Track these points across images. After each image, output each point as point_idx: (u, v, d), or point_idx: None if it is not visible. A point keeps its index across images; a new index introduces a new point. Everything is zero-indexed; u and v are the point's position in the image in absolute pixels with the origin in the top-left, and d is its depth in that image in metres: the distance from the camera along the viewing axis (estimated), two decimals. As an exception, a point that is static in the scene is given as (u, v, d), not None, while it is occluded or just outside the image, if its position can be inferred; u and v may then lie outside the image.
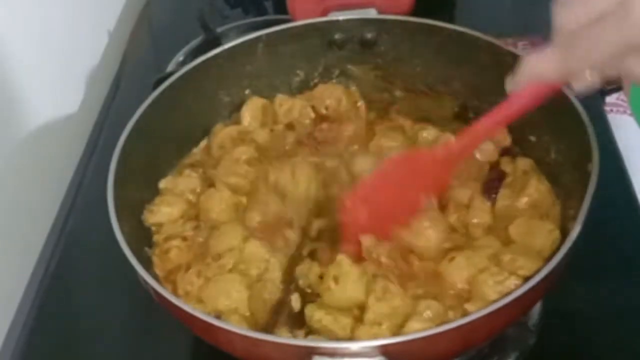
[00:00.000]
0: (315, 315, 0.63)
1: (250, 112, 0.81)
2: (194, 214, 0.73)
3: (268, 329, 0.64)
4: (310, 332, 0.64)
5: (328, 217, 0.71)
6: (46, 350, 0.75)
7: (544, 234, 0.66)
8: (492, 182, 0.73)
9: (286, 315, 0.65)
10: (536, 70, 0.54)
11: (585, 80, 0.51)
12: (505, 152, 0.76)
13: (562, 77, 0.53)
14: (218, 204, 0.72)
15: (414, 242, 0.67)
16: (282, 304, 0.65)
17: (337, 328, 0.62)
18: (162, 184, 0.75)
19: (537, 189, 0.70)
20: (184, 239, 0.71)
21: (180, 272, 0.68)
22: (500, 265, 0.65)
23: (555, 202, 0.70)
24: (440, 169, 0.68)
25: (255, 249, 0.68)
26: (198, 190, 0.75)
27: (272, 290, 0.65)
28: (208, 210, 0.72)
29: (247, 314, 0.65)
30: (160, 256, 0.70)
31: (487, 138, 0.73)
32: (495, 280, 0.63)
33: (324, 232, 0.70)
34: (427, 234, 0.67)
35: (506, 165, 0.74)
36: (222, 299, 0.65)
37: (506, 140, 0.77)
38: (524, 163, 0.73)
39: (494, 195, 0.72)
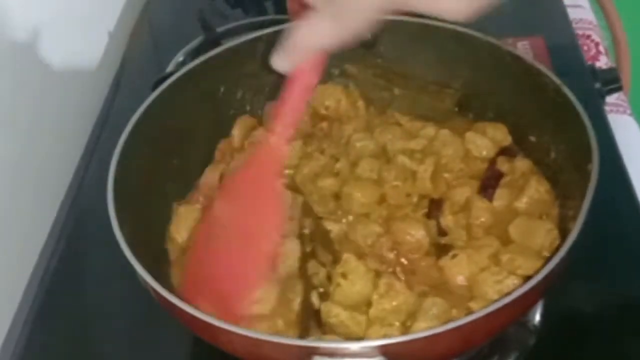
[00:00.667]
0: (333, 310, 0.63)
1: (241, 131, 0.81)
2: None
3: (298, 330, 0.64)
4: (326, 330, 0.63)
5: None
6: (46, 350, 0.75)
7: (543, 234, 0.66)
8: (489, 180, 0.73)
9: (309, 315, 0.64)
10: (311, 42, 0.53)
11: (365, 33, 0.50)
12: (504, 151, 0.76)
13: (339, 40, 0.52)
14: None
15: (399, 240, 0.68)
16: (305, 302, 0.64)
17: (353, 324, 0.62)
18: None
19: (536, 190, 0.70)
20: None
21: None
22: (500, 264, 0.65)
23: (555, 203, 0.70)
24: (266, 178, 0.63)
25: (295, 246, 0.68)
26: None
27: (294, 288, 0.65)
28: None
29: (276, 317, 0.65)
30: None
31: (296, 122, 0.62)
32: (495, 279, 0.63)
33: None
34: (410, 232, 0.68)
35: (502, 165, 0.74)
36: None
37: (506, 139, 0.77)
38: (522, 164, 0.73)
39: (490, 190, 0.72)
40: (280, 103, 0.60)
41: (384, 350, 0.54)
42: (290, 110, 0.60)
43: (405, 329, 0.62)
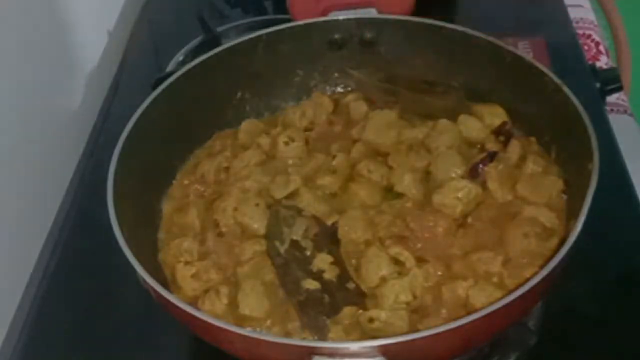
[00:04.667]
0: (373, 315, 0.63)
1: (249, 133, 0.81)
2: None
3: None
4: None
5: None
6: (45, 351, 0.75)
7: (549, 185, 0.69)
8: (478, 160, 0.73)
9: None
10: None
11: None
12: (502, 133, 0.76)
13: None
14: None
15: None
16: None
17: (397, 320, 0.62)
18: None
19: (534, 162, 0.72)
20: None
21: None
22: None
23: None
24: None
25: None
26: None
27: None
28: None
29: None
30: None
31: None
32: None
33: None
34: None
35: (490, 143, 0.75)
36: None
37: (499, 120, 0.77)
38: (516, 146, 0.74)
39: (479, 168, 0.72)
40: None
41: (383, 350, 0.54)
42: None
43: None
